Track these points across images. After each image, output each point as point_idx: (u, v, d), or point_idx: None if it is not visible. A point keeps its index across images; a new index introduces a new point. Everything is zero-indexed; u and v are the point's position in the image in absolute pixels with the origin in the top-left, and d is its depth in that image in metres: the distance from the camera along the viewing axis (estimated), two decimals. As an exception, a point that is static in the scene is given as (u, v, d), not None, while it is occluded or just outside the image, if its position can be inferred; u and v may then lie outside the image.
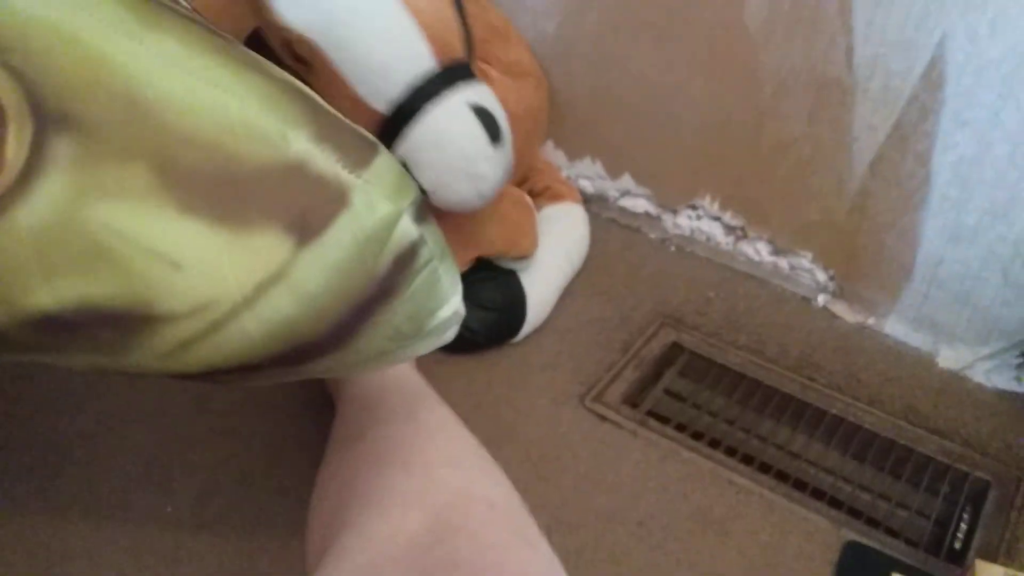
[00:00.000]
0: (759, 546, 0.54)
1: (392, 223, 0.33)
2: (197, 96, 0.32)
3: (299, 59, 0.51)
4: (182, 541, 0.50)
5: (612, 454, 0.59)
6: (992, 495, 0.58)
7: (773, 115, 0.70)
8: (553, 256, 0.70)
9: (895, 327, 0.71)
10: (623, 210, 0.81)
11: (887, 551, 0.54)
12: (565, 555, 0.39)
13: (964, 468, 0.60)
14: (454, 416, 0.46)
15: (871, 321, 0.72)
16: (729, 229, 0.77)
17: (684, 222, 0.78)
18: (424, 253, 0.35)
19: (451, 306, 0.37)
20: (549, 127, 0.80)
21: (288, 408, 0.60)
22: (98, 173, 0.31)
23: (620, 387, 0.64)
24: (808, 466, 0.61)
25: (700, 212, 0.78)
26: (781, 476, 0.59)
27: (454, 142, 0.53)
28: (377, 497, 0.38)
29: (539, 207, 0.73)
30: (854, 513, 0.57)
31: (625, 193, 0.81)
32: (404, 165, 0.53)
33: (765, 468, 0.59)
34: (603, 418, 0.61)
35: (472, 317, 0.63)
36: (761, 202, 0.74)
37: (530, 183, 0.75)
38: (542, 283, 0.68)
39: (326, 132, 0.33)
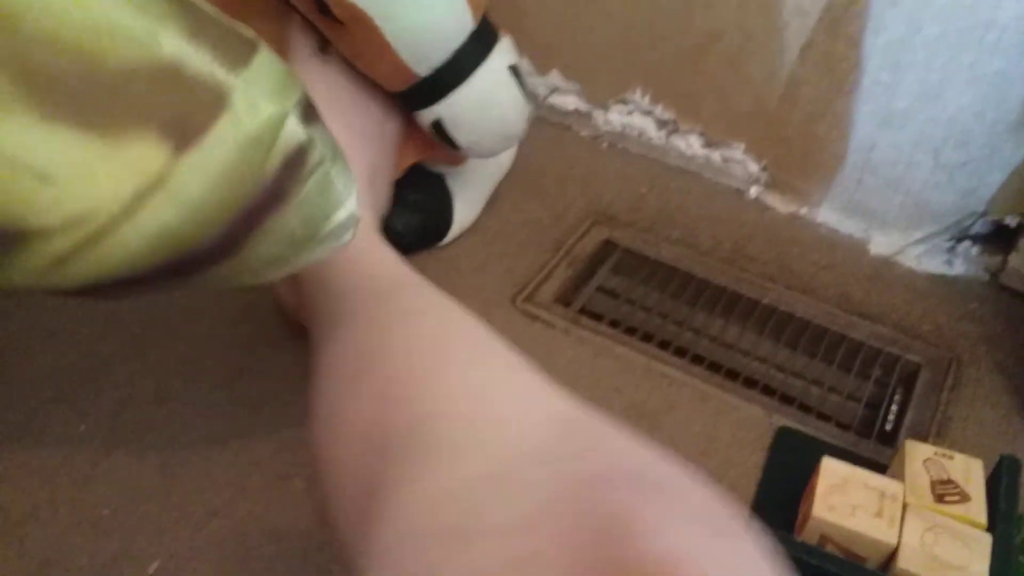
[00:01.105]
0: (693, 436, 0.54)
1: (277, 124, 0.32)
2: None
3: (330, 17, 0.49)
4: (97, 460, 0.49)
5: (544, 353, 0.58)
6: (923, 377, 0.59)
7: (702, 3, 0.68)
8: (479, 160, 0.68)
9: (827, 215, 0.70)
10: (552, 108, 0.79)
11: (819, 435, 0.54)
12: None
13: (896, 352, 0.60)
14: (468, 312, 0.42)
15: (804, 211, 0.71)
16: (661, 123, 0.75)
17: (615, 118, 0.76)
18: (314, 155, 0.33)
19: (346, 208, 0.36)
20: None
21: (203, 324, 0.57)
22: None
23: (552, 286, 0.63)
24: (741, 356, 0.60)
25: (631, 107, 0.76)
26: (714, 367, 0.59)
27: (499, 107, 0.53)
28: (457, 401, 0.34)
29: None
30: (786, 400, 0.57)
31: (554, 90, 0.78)
32: (439, 123, 0.53)
33: (698, 360, 0.59)
34: (535, 318, 0.60)
35: (398, 220, 0.61)
36: (692, 95, 0.73)
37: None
38: (469, 184, 0.66)
39: (200, 30, 0.31)
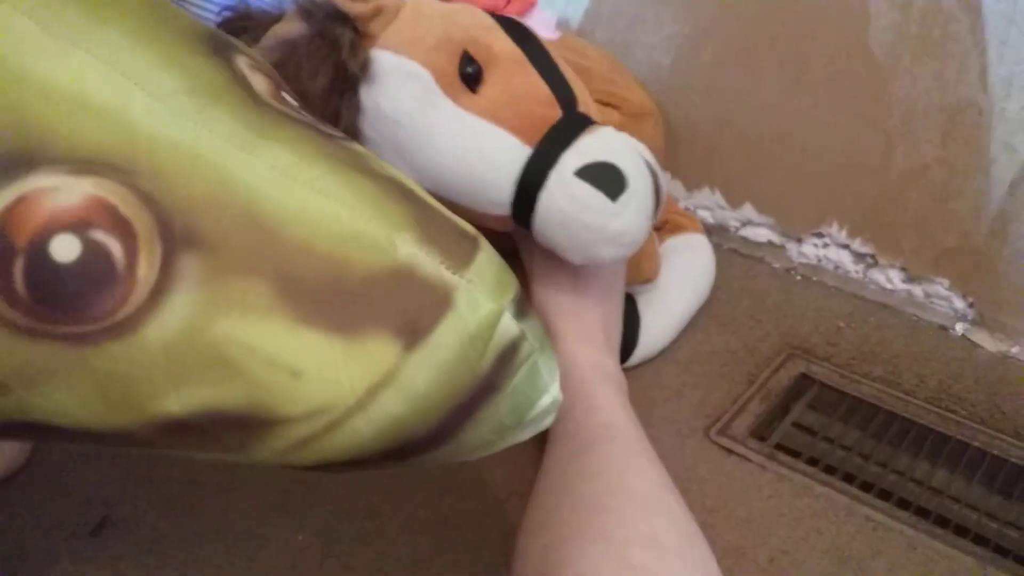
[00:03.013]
0: (900, 586, 0.51)
1: (494, 321, 0.34)
2: (310, 207, 0.33)
3: None
4: (309, 570, 0.52)
5: (740, 488, 0.57)
6: None
7: (903, 139, 0.68)
8: (674, 284, 0.69)
9: (1041, 356, 0.67)
10: (744, 240, 0.80)
11: (1041, 593, 0.51)
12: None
13: (1124, 506, 0.56)
14: (663, 477, 0.46)
15: (1015, 350, 0.68)
16: (859, 257, 0.74)
17: (810, 250, 0.76)
18: (525, 348, 0.35)
19: (551, 395, 0.37)
20: (666, 159, 0.79)
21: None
22: (222, 289, 0.32)
23: (746, 420, 0.62)
24: (950, 502, 0.58)
25: (827, 240, 0.76)
26: (922, 512, 0.56)
27: (574, 219, 0.51)
28: None
29: (661, 240, 0.72)
30: (1001, 551, 0.54)
31: (746, 223, 0.79)
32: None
33: (904, 504, 0.57)
34: (730, 451, 0.60)
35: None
36: (893, 228, 0.72)
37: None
38: (661, 310, 0.67)
39: (430, 233, 0.34)
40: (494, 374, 0.34)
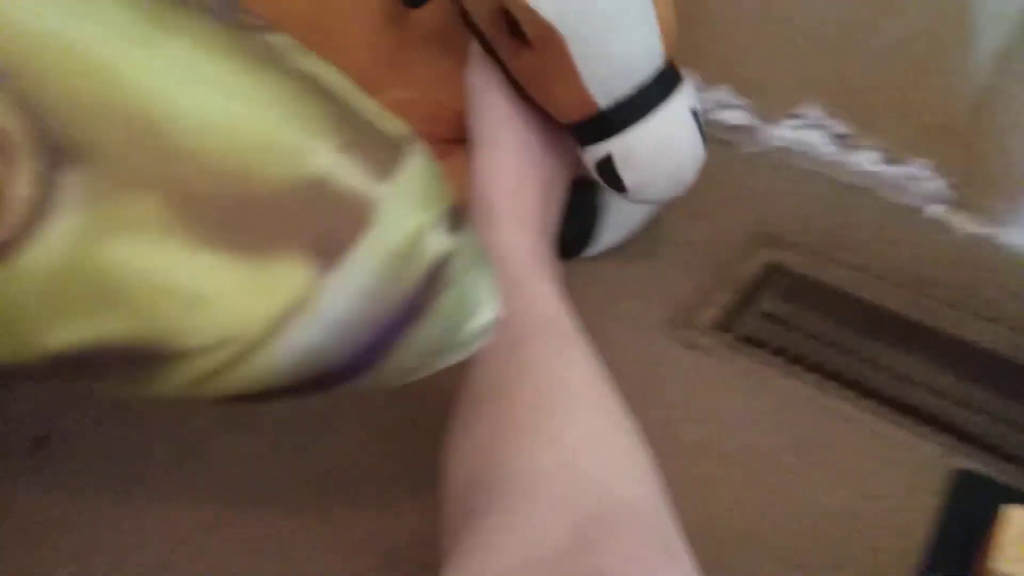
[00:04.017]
0: (862, 476, 0.50)
1: (422, 236, 0.31)
2: (211, 111, 0.30)
3: (520, 37, 0.49)
4: (262, 477, 0.51)
5: (702, 382, 0.56)
6: None
7: (887, 9, 0.64)
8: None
9: (1019, 237, 0.65)
10: (716, 123, 0.76)
11: (1002, 479, 0.50)
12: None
13: (1096, 388, 0.55)
14: (599, 370, 0.44)
15: (991, 232, 0.66)
16: (835, 137, 0.71)
17: (784, 133, 0.73)
18: (457, 264, 0.33)
19: (484, 314, 0.35)
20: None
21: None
22: (111, 208, 0.29)
23: (712, 312, 0.61)
24: (917, 389, 0.56)
25: (802, 121, 0.72)
26: (887, 401, 0.55)
27: (676, 149, 0.51)
28: (520, 483, 0.36)
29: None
30: (967, 438, 0.53)
31: (721, 105, 0.76)
32: (609, 160, 0.51)
33: (870, 393, 0.55)
34: (693, 345, 0.58)
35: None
36: (872, 107, 0.69)
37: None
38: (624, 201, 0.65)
39: (351, 138, 0.31)
40: (422, 294, 0.32)
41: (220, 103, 0.30)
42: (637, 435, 0.41)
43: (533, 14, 0.47)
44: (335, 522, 0.48)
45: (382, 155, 0.32)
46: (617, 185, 0.52)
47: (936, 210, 0.68)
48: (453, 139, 0.61)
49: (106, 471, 0.51)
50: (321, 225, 0.30)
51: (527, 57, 0.50)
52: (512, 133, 0.56)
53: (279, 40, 0.34)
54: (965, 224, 0.67)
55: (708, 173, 0.72)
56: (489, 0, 0.49)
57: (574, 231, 0.63)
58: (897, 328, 0.60)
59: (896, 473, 0.51)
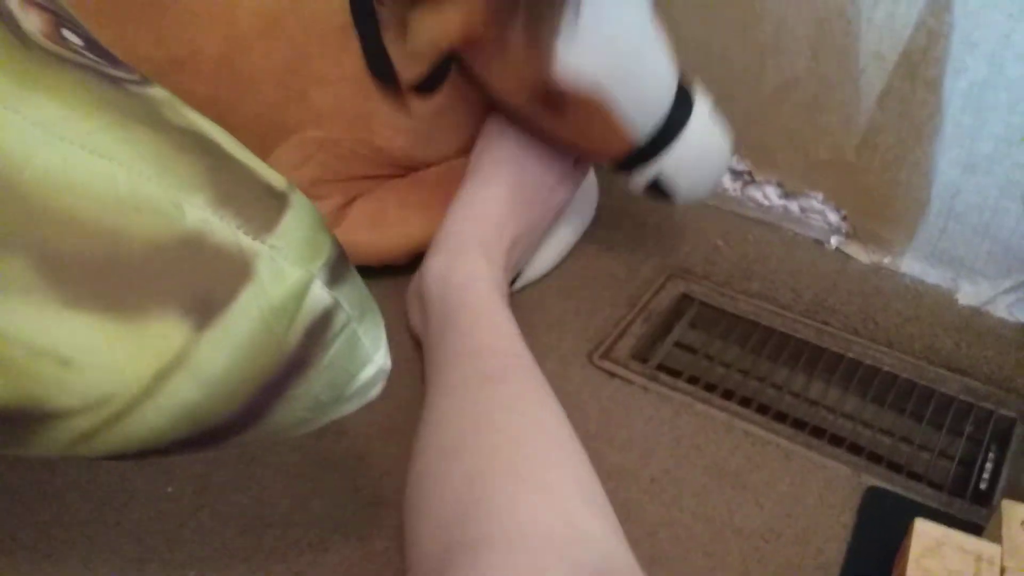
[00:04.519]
0: (778, 496, 0.52)
1: (302, 290, 0.31)
2: (79, 169, 0.29)
3: (559, 106, 0.51)
4: (184, 520, 0.49)
5: (622, 411, 0.57)
6: (1018, 432, 0.56)
7: (774, 52, 0.67)
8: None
9: (912, 265, 0.68)
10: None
11: (910, 495, 0.52)
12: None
13: (988, 406, 0.58)
14: (562, 411, 0.45)
15: (887, 260, 0.69)
16: (736, 175, 0.74)
17: (689, 170, 0.76)
18: (340, 317, 0.32)
19: (375, 365, 0.35)
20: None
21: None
22: None
23: (629, 342, 0.62)
24: (826, 412, 0.59)
25: (705, 159, 0.75)
26: (798, 424, 0.57)
27: (716, 149, 0.55)
28: (511, 524, 0.37)
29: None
30: (875, 458, 0.55)
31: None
32: (659, 179, 0.55)
33: (781, 417, 0.58)
34: (612, 375, 0.59)
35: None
36: (767, 145, 0.72)
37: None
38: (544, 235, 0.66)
39: (226, 193, 0.30)
40: (304, 349, 0.31)
41: (86, 159, 0.29)
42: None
43: (578, 84, 0.48)
44: (259, 563, 0.47)
45: (261, 208, 0.31)
46: (669, 197, 0.56)
47: (836, 241, 0.71)
48: (373, 176, 0.61)
49: (23, 515, 0.49)
50: (197, 281, 0.30)
51: (569, 120, 0.52)
52: (508, 176, 0.58)
53: (157, 93, 0.33)
54: (862, 255, 0.70)
55: (622, 211, 0.74)
56: (525, 77, 0.51)
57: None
58: (805, 355, 0.62)
59: (810, 492, 0.52)
